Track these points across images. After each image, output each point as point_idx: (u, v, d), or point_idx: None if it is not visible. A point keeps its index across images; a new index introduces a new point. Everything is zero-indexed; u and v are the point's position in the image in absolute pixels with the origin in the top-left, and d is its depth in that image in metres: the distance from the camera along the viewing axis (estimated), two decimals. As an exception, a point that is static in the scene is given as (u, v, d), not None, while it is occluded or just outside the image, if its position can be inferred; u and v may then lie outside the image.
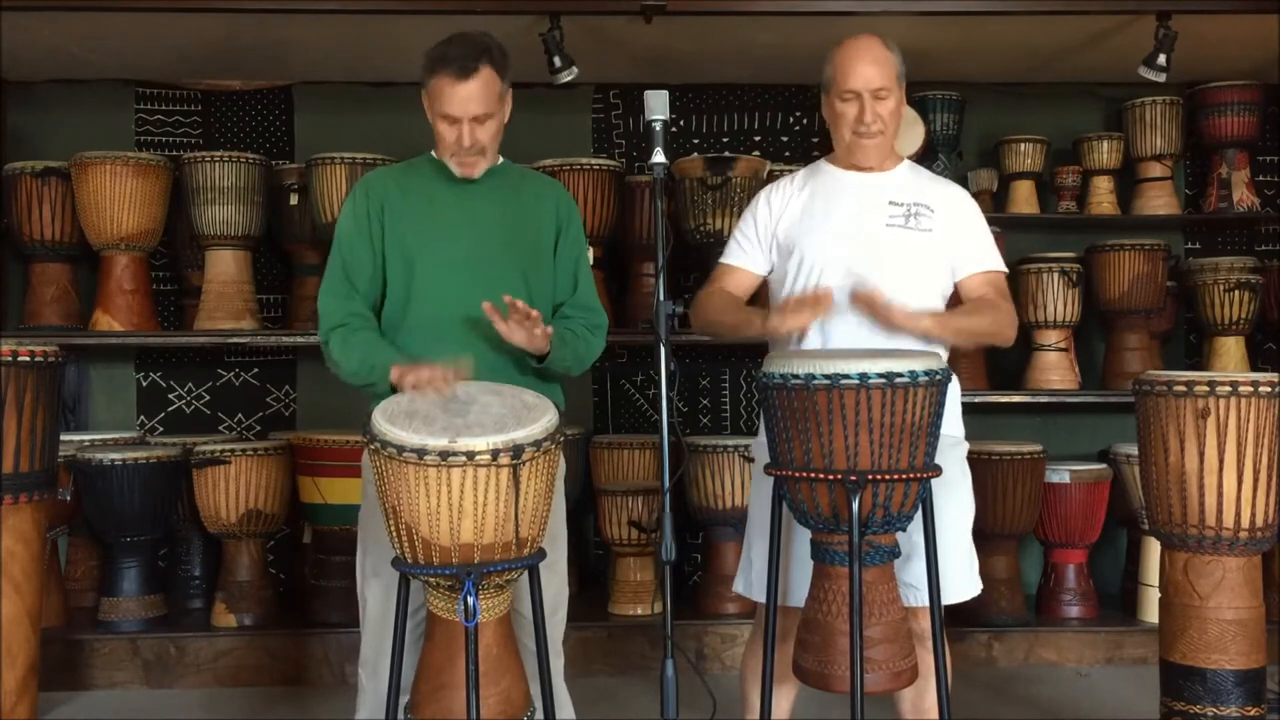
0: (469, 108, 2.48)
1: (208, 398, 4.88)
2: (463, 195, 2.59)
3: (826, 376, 2.18)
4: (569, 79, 4.08)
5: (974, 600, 2.64)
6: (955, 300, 2.69)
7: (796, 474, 2.27)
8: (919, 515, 2.33)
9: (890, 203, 2.61)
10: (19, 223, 4.44)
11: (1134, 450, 3.15)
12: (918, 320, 2.45)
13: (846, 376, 2.18)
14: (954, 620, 3.84)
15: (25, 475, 2.75)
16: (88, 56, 4.51)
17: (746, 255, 2.72)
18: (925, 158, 4.52)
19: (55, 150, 4.52)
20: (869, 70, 2.54)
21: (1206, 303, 4.71)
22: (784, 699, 2.67)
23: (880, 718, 2.72)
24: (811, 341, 2.58)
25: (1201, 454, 2.67)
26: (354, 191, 2.63)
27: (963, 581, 2.59)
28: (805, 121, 5.00)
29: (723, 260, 2.77)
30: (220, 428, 4.86)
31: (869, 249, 2.57)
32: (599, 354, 2.70)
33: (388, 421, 2.12)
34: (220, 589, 4.17)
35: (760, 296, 2.80)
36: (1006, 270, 2.72)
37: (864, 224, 2.59)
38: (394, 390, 2.41)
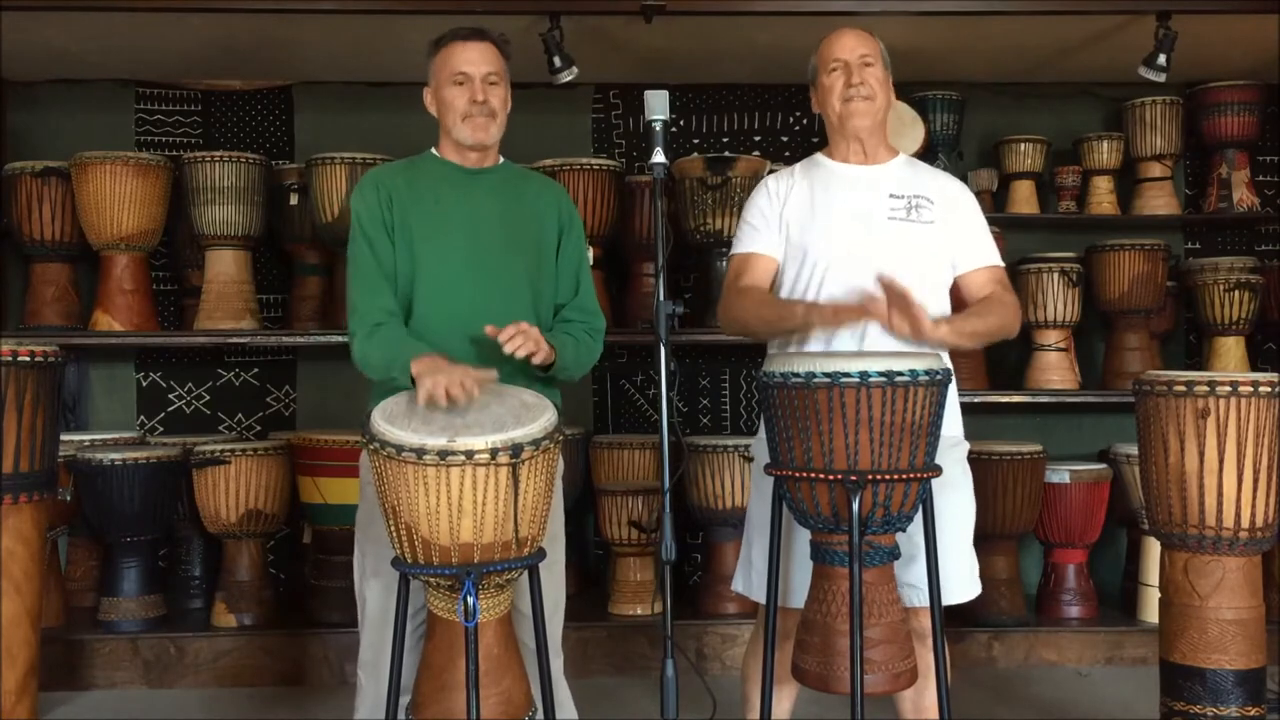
0: (481, 66, 2.54)
1: (208, 398, 4.88)
2: (466, 191, 2.59)
3: (827, 375, 2.19)
4: (569, 79, 4.08)
5: (974, 600, 2.64)
6: (954, 292, 2.68)
7: (796, 474, 2.27)
8: (920, 516, 2.33)
9: (890, 195, 2.60)
10: (19, 223, 4.44)
11: (1134, 450, 3.15)
12: (936, 329, 2.41)
13: (847, 375, 2.18)
14: (954, 620, 3.84)
15: (25, 475, 2.75)
16: (88, 56, 4.51)
17: (764, 239, 2.63)
18: (925, 158, 4.50)
19: (55, 150, 4.51)
20: (852, 40, 2.59)
21: (1206, 303, 4.71)
22: (784, 699, 2.66)
23: (880, 718, 2.72)
24: (814, 342, 2.57)
25: (1201, 454, 2.66)
26: (362, 185, 2.60)
27: (963, 582, 2.58)
28: (805, 121, 5.00)
29: (740, 250, 2.66)
30: (220, 428, 4.86)
31: (873, 243, 2.55)
32: (597, 359, 2.70)
33: (386, 421, 2.12)
34: (220, 589, 4.17)
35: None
36: (1004, 264, 2.72)
37: (867, 218, 2.58)
38: (414, 384, 2.39)
